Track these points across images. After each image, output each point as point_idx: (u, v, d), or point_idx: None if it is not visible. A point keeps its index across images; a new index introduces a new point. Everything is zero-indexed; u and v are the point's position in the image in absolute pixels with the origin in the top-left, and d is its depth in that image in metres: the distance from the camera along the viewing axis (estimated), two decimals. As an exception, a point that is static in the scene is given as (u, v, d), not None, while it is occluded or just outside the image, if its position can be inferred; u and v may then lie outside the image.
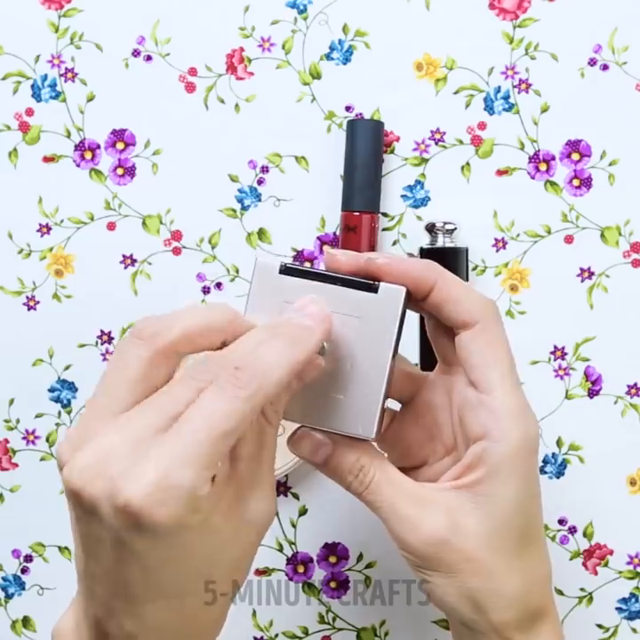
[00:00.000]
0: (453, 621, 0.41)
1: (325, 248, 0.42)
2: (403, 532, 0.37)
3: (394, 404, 0.42)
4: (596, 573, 0.54)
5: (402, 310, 0.37)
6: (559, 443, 0.54)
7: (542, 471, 0.54)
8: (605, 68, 0.53)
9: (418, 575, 0.39)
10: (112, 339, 0.54)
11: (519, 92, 0.53)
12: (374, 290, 0.37)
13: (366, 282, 0.38)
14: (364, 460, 0.38)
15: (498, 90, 0.53)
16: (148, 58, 0.54)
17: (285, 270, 0.38)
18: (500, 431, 0.37)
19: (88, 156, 0.54)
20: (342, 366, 0.38)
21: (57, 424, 0.55)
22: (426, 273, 0.38)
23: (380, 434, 0.38)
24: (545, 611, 0.39)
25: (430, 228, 0.52)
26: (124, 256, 0.55)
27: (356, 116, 0.53)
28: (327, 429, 0.38)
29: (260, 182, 0.54)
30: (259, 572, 0.55)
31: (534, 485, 0.38)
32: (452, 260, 0.52)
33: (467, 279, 0.53)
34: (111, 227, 0.55)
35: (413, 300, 0.38)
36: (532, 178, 0.54)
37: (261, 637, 0.55)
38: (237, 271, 0.54)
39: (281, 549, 0.55)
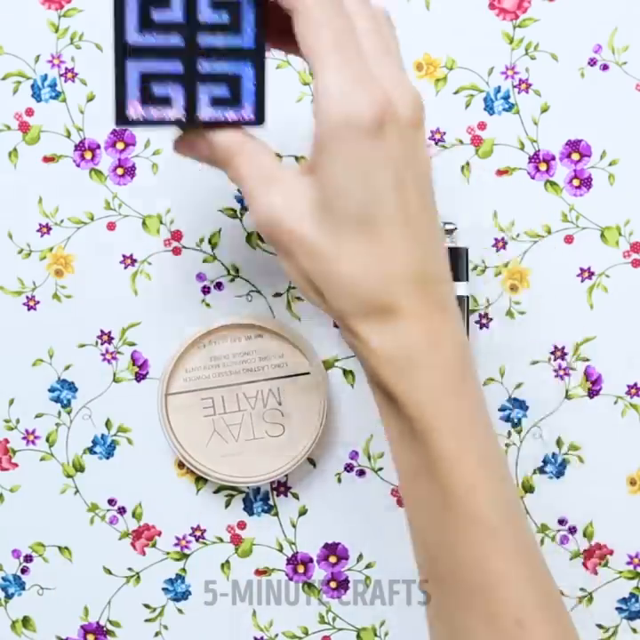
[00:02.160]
0: None
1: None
2: (249, 208, 0.39)
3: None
4: (595, 573, 0.54)
5: None
6: (559, 443, 0.54)
7: (542, 471, 0.54)
8: (605, 68, 0.53)
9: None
10: (112, 339, 0.54)
11: (519, 92, 0.53)
12: None
13: None
14: (236, 141, 0.39)
15: (498, 90, 0.53)
16: (148, 58, 0.54)
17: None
18: (317, 111, 0.37)
19: (88, 156, 0.54)
20: None
21: (57, 424, 0.55)
22: None
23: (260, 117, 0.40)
24: (397, 309, 0.38)
25: (430, 228, 0.52)
26: (123, 256, 0.55)
27: (356, 115, 0.53)
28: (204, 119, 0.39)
29: (259, 182, 0.54)
30: (259, 572, 0.55)
31: (375, 168, 0.37)
32: (452, 259, 0.51)
33: (467, 279, 0.53)
34: (111, 227, 0.55)
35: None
36: (532, 178, 0.54)
37: (261, 637, 0.55)
38: (237, 271, 0.54)
39: (281, 549, 0.55)
